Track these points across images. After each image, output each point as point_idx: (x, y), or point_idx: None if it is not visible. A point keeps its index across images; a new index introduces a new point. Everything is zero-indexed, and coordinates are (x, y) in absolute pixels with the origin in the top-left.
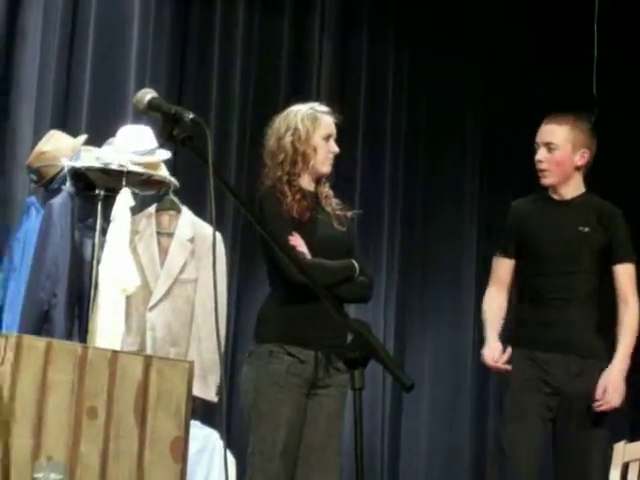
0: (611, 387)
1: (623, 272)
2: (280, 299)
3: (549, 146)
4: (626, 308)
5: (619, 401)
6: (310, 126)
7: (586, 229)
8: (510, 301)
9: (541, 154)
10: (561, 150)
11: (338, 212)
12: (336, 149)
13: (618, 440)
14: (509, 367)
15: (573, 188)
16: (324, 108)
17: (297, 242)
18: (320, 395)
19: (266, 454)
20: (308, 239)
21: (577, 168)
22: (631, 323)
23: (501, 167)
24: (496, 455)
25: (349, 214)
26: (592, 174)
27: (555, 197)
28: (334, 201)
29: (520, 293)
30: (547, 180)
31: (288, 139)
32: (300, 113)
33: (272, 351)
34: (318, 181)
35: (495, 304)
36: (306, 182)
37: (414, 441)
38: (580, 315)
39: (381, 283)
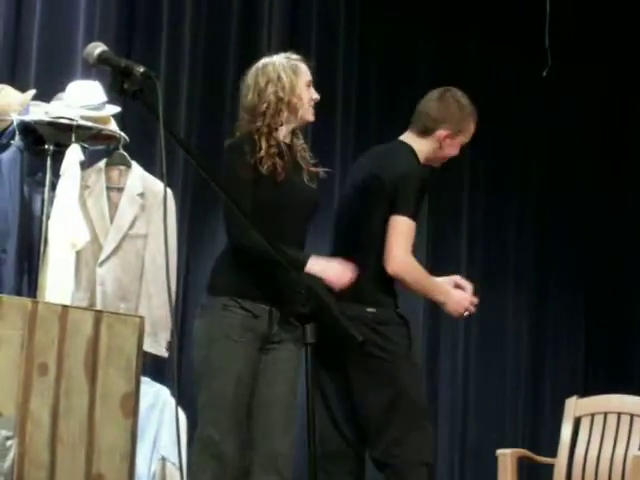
0: None
1: None
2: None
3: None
4: None
5: None
6: (292, 75)
7: None
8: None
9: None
10: None
11: (311, 168)
12: (316, 95)
13: (570, 395)
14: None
15: None
16: (298, 56)
17: None
18: (275, 350)
19: (218, 407)
20: (282, 201)
21: None
22: None
23: None
24: None
25: (320, 172)
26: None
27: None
28: (307, 155)
29: None
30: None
31: (271, 90)
32: (279, 64)
33: (226, 304)
34: (293, 132)
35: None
36: (282, 134)
37: None
38: None
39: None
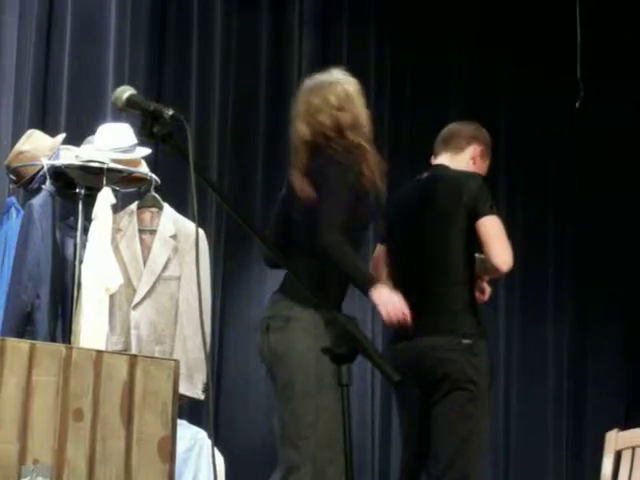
0: None
1: None
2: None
3: None
4: None
5: None
6: (354, 94)
7: None
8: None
9: None
10: None
11: None
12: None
13: (611, 428)
14: None
15: None
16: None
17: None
18: None
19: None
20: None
21: None
22: None
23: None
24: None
25: None
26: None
27: None
28: None
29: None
30: None
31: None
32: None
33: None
34: None
35: None
36: None
37: None
38: None
39: None
